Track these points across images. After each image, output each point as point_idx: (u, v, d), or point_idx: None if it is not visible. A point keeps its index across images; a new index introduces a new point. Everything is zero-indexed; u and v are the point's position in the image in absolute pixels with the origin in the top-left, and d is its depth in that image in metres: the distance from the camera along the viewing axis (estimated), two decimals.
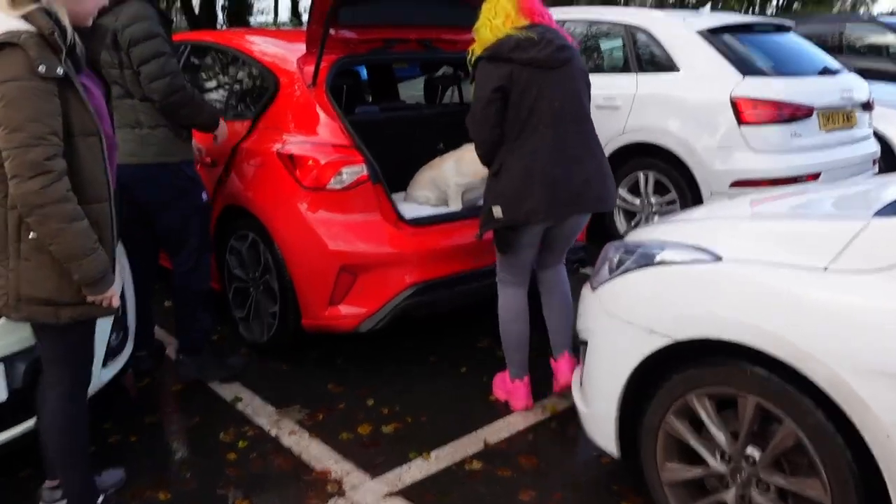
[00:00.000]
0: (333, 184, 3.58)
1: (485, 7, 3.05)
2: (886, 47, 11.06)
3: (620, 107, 5.70)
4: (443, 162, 4.15)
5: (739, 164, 5.22)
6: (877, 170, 5.97)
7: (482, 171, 3.34)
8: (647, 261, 2.52)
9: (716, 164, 5.26)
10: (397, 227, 3.69)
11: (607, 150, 5.65)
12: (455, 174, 4.05)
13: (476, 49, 3.02)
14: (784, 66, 5.55)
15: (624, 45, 5.92)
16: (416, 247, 3.69)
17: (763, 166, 5.17)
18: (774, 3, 35.33)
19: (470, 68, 3.07)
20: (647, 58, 5.76)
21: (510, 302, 3.40)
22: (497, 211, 3.07)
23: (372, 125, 4.42)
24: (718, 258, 2.31)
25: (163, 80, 3.26)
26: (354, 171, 3.61)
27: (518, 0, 3.00)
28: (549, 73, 2.94)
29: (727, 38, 5.55)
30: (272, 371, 3.91)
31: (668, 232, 2.67)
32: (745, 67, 5.32)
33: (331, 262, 3.59)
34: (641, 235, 2.80)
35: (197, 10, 23.25)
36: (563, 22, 6.51)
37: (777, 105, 5.16)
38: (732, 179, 5.24)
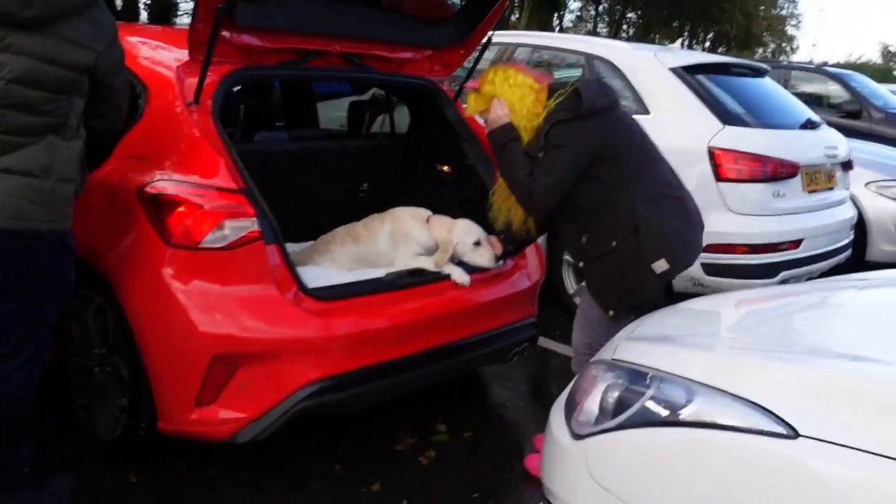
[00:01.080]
0: (211, 241, 2.60)
1: (505, 93, 2.74)
2: (828, 97, 10.81)
3: None
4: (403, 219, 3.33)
5: (715, 226, 4.39)
6: (853, 236, 5.34)
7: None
8: (668, 412, 1.64)
9: None
10: (297, 302, 2.73)
11: None
12: (464, 232, 3.23)
13: (526, 127, 2.71)
14: (765, 116, 4.86)
15: (583, 77, 5.12)
16: (323, 329, 2.74)
17: (742, 230, 4.45)
18: (700, 47, 36.08)
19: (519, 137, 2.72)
20: None
21: None
22: (661, 265, 2.62)
23: (277, 157, 3.46)
24: (792, 431, 1.44)
25: None
26: (241, 226, 2.63)
27: (523, 70, 2.83)
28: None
29: (703, 79, 4.83)
30: (119, 486, 2.85)
31: (681, 359, 1.80)
32: (726, 115, 4.60)
33: (200, 348, 2.59)
34: (640, 353, 1.92)
35: (119, 6, 21.70)
36: (512, 46, 5.70)
37: (761, 160, 4.46)
38: (706, 243, 4.45)
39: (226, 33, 2.90)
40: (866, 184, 5.91)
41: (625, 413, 1.72)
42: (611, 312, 2.69)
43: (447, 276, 3.18)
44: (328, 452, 3.13)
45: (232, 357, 2.62)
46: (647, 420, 1.67)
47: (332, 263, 3.28)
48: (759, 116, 4.79)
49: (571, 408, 1.92)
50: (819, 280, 3.53)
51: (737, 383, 1.59)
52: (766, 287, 4.11)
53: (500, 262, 3.17)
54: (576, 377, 2.06)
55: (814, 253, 4.71)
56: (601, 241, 2.64)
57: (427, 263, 3.23)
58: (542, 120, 2.64)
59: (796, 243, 4.58)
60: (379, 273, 3.12)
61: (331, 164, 3.74)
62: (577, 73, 5.26)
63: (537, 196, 2.63)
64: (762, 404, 1.50)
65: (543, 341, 4.02)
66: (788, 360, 1.73)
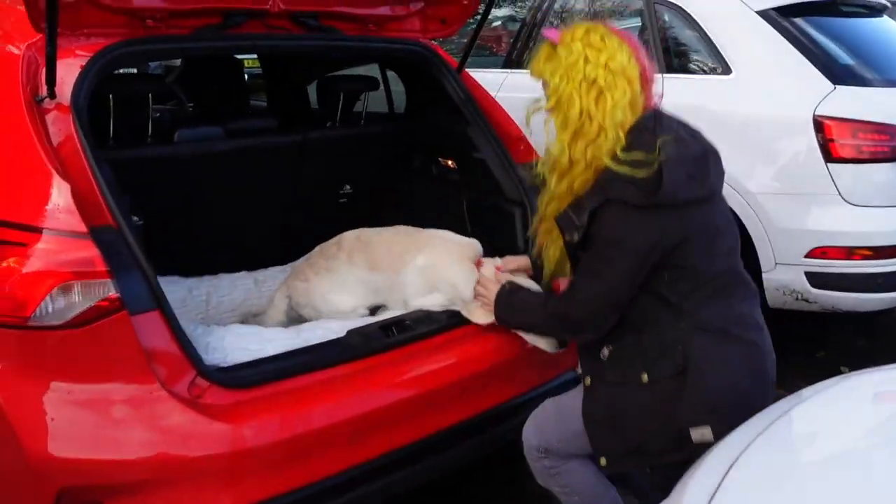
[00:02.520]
0: (45, 316, 1.67)
1: (561, 74, 1.78)
2: None
3: None
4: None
5: (824, 222, 3.35)
6: None
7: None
8: None
9: (786, 219, 3.37)
10: (194, 397, 1.80)
11: None
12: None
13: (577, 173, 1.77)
14: (891, 70, 3.62)
15: (644, 31, 3.98)
16: (235, 438, 1.81)
17: (862, 227, 3.31)
18: None
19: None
20: (679, 51, 3.84)
21: None
22: (702, 434, 1.73)
23: (208, 161, 2.53)
24: None
25: None
26: (91, 291, 1.69)
27: (634, 47, 1.82)
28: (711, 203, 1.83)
29: (802, 23, 3.63)
30: None
31: None
32: (837, 71, 3.42)
33: (40, 480, 1.69)
34: None
35: None
36: None
37: (888, 131, 3.27)
38: (812, 245, 3.36)
39: None
40: None
41: None
42: (602, 460, 1.88)
43: (445, 327, 2.23)
44: None
45: (88, 491, 1.71)
46: None
47: (334, 287, 2.37)
48: (882, 71, 3.57)
49: None
50: None
51: None
52: None
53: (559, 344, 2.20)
54: None
55: None
56: (629, 368, 1.82)
57: (434, 302, 2.31)
58: (595, 177, 1.74)
59: None
60: (335, 328, 2.17)
61: (292, 163, 2.77)
62: (633, 23, 4.12)
63: (580, 310, 1.84)
64: None
65: None
66: None
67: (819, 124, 3.28)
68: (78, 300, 1.68)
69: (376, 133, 3.02)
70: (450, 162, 2.89)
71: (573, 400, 1.94)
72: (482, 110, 2.69)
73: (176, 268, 2.62)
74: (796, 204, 3.38)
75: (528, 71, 1.90)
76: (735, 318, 1.81)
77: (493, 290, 2.15)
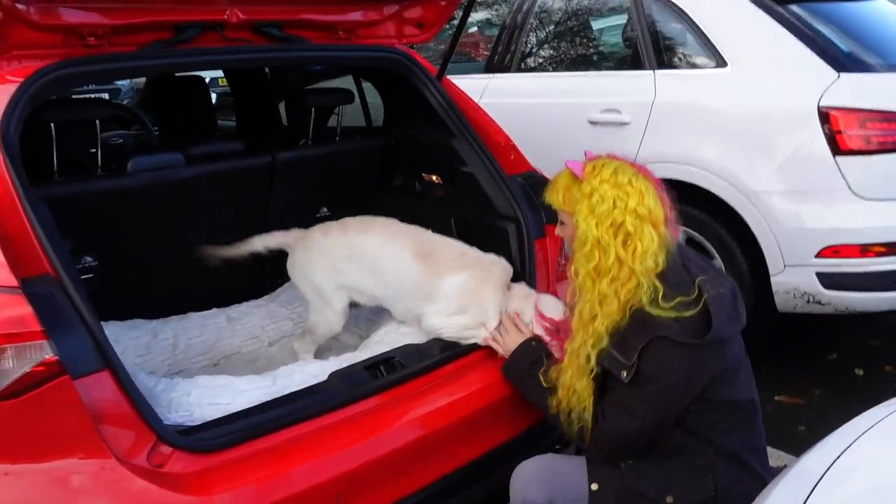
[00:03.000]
0: None
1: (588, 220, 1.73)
2: None
3: (629, 123, 3.60)
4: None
5: (835, 219, 3.14)
6: None
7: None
8: None
9: (793, 218, 3.17)
10: (155, 466, 1.57)
11: None
12: (549, 309, 2.19)
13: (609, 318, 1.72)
14: (894, 55, 3.43)
15: (631, 23, 3.78)
16: None
17: (876, 222, 3.11)
18: None
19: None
20: (671, 44, 3.62)
21: None
22: None
23: (169, 190, 2.29)
24: None
25: None
26: (26, 355, 1.45)
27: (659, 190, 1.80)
28: None
29: (798, 9, 3.44)
30: None
31: None
32: (840, 58, 3.22)
33: None
34: None
35: None
36: None
37: None
38: (822, 244, 3.16)
39: (20, 5, 1.72)
40: None
41: None
42: None
43: (438, 363, 2.02)
44: None
45: None
46: None
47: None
48: (884, 55, 3.37)
49: None
50: None
51: None
52: None
53: None
54: None
55: None
56: (649, 487, 1.76)
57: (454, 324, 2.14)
58: (631, 314, 1.71)
59: None
60: (314, 372, 1.94)
61: (263, 187, 2.54)
62: (620, 18, 3.92)
63: (604, 443, 1.80)
64: None
65: None
66: None
67: (825, 115, 3.08)
68: (10, 366, 1.44)
69: (353, 150, 2.79)
70: (434, 177, 2.67)
71: (579, 478, 1.83)
72: (467, 119, 2.47)
73: (139, 309, 2.38)
74: (804, 201, 3.18)
75: (545, 199, 1.88)
76: (751, 448, 1.83)
77: (513, 340, 2.05)
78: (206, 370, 2.38)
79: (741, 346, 1.84)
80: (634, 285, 1.67)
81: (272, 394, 1.88)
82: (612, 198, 1.70)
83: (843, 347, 3.79)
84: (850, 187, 3.10)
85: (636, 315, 1.69)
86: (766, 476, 1.81)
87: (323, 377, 1.93)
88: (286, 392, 1.88)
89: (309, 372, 2.00)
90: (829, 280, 3.16)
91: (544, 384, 1.89)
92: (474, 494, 2.05)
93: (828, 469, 1.26)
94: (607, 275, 1.68)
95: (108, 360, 1.54)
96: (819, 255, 3.15)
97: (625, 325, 1.70)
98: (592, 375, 1.75)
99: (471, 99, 2.62)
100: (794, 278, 3.22)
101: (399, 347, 2.08)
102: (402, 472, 1.85)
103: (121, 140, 3.46)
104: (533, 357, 1.99)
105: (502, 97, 4.06)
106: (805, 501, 1.20)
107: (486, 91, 4.09)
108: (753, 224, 3.26)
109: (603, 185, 1.72)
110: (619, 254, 1.67)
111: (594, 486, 1.80)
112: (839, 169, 3.09)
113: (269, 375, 1.98)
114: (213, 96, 5.42)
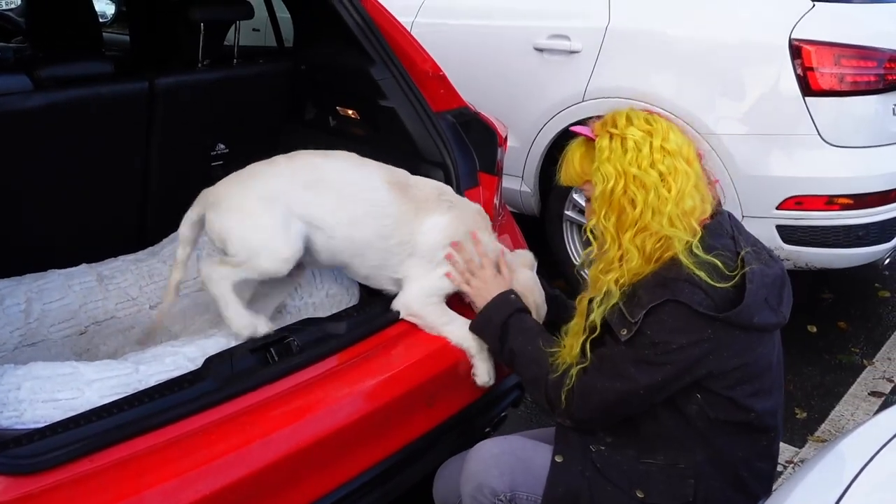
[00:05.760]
0: None
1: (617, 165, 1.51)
2: None
3: (579, 51, 3.23)
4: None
5: (801, 168, 2.90)
6: None
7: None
8: None
9: (756, 164, 2.89)
10: None
11: (553, 129, 3.22)
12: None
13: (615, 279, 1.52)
14: None
15: None
16: None
17: (843, 171, 2.86)
18: None
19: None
20: None
21: None
22: None
23: (16, 122, 1.83)
24: None
25: None
26: None
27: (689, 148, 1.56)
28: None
29: None
30: None
31: None
32: None
33: None
34: None
35: None
36: None
37: (876, 56, 2.79)
38: (785, 195, 2.91)
39: None
40: None
41: None
42: None
43: (347, 342, 1.67)
44: None
45: None
46: None
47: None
48: None
49: None
50: None
51: None
52: None
53: None
54: None
55: None
56: (622, 475, 1.59)
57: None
58: (657, 268, 1.51)
59: None
60: (190, 354, 1.56)
61: (139, 119, 2.08)
62: None
63: (585, 410, 1.59)
64: None
65: None
66: None
67: (796, 50, 2.76)
68: None
69: (253, 75, 2.33)
70: (350, 112, 2.25)
71: (543, 460, 1.64)
72: (386, 42, 2.05)
73: None
74: (768, 146, 2.89)
75: (560, 182, 1.67)
76: (754, 472, 1.60)
77: (491, 288, 1.78)
78: (71, 340, 1.97)
79: (778, 351, 1.60)
80: (666, 234, 1.47)
81: (131, 385, 1.50)
82: (633, 141, 1.50)
83: (794, 302, 3.58)
84: (818, 132, 2.82)
85: (661, 268, 1.49)
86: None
87: (199, 363, 1.56)
88: (150, 383, 1.50)
89: (185, 354, 1.61)
90: (789, 234, 2.92)
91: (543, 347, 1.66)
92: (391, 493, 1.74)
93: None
94: (632, 227, 1.49)
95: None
96: (781, 206, 2.89)
97: (642, 280, 1.50)
98: (591, 336, 1.55)
99: (394, 18, 2.19)
100: (752, 231, 2.95)
101: (295, 324, 1.71)
102: (296, 482, 1.51)
103: None
104: (517, 309, 1.75)
105: (440, 17, 3.63)
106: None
107: (422, 9, 3.64)
108: (711, 169, 2.96)
109: (621, 134, 1.52)
110: (649, 200, 1.47)
111: (558, 458, 1.63)
112: (808, 111, 2.80)
113: (129, 359, 1.58)
114: (113, 7, 4.80)
